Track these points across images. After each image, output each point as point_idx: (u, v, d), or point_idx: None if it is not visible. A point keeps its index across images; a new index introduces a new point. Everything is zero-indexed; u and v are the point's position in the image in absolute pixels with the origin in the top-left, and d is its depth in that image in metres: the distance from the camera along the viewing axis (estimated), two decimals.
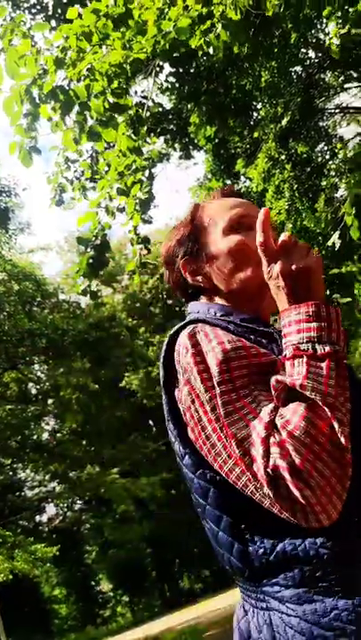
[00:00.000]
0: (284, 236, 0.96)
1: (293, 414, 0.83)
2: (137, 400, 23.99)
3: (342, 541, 0.87)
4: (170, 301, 26.72)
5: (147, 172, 4.12)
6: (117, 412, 23.26)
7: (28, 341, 17.81)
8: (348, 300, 4.22)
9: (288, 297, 0.92)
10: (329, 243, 4.42)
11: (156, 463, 23.21)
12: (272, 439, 0.83)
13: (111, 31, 3.10)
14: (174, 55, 3.28)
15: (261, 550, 0.92)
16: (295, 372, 0.86)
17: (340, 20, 4.09)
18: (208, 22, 2.99)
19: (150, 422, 26.02)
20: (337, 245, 4.51)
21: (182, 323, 1.07)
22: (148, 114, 4.82)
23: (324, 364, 0.85)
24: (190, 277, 1.19)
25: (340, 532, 0.87)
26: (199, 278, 1.18)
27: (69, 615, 24.34)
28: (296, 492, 0.81)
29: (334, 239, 4.48)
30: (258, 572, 0.93)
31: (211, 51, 3.07)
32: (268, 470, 0.82)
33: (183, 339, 0.99)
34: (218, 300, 1.16)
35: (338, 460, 0.82)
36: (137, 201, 4.22)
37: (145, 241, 4.26)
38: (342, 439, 0.81)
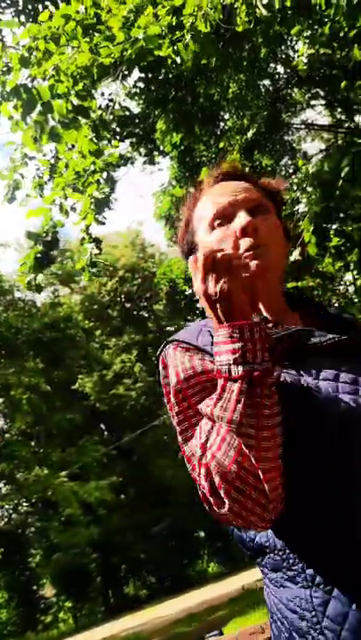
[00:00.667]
0: (204, 253, 0.91)
1: (216, 436, 0.88)
2: (90, 403, 23.73)
3: (301, 538, 0.94)
4: (128, 304, 26.60)
5: (104, 174, 4.10)
6: (69, 414, 22.91)
7: None
8: None
9: (213, 317, 0.93)
10: (291, 258, 4.47)
11: (106, 467, 22.99)
12: (203, 459, 0.89)
13: (80, 36, 3.06)
14: (141, 63, 3.25)
15: (248, 538, 1.03)
16: (214, 397, 0.89)
17: (308, 40, 4.15)
18: (178, 33, 2.97)
19: (102, 426, 25.78)
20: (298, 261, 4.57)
21: (168, 340, 1.12)
22: (112, 117, 4.78)
23: (236, 387, 0.86)
24: None
25: (299, 529, 0.94)
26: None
27: (9, 620, 23.74)
28: (217, 510, 0.89)
29: (295, 255, 4.53)
30: (252, 554, 1.05)
31: (178, 60, 3.05)
32: (201, 489, 0.90)
33: (159, 359, 1.08)
34: None
35: (259, 477, 0.86)
36: (92, 200, 4.20)
37: (96, 241, 4.27)
38: (253, 462, 0.85)
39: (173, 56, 3.02)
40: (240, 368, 0.86)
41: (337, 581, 0.91)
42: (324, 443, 0.92)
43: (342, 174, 3.91)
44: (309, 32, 4.76)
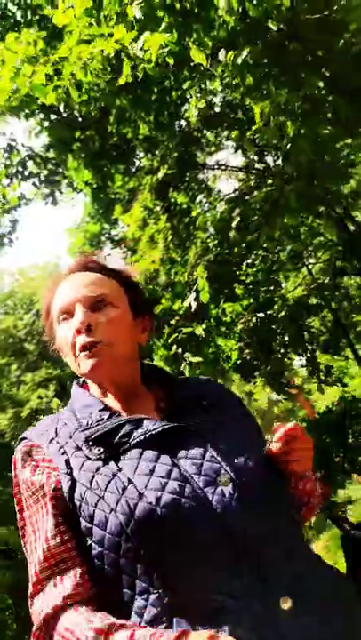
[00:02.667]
0: None
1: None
2: (5, 441, 22.71)
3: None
4: (46, 338, 25.94)
5: None
6: None
7: None
8: (199, 359, 4.30)
9: None
10: (185, 303, 4.48)
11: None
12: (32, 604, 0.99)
13: None
14: (27, 110, 3.21)
15: None
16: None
17: (199, 94, 4.27)
18: (57, 81, 2.96)
19: None
20: (193, 307, 4.58)
21: (20, 437, 1.16)
22: (10, 162, 4.71)
23: None
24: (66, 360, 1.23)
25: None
26: (65, 361, 1.22)
27: None
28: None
29: (190, 300, 4.55)
30: None
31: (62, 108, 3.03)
32: (29, 605, 1.03)
33: (13, 458, 1.12)
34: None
35: None
36: None
37: None
38: None
39: (56, 104, 3.01)
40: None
41: None
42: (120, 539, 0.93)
43: (233, 224, 4.00)
44: (202, 85, 4.90)
